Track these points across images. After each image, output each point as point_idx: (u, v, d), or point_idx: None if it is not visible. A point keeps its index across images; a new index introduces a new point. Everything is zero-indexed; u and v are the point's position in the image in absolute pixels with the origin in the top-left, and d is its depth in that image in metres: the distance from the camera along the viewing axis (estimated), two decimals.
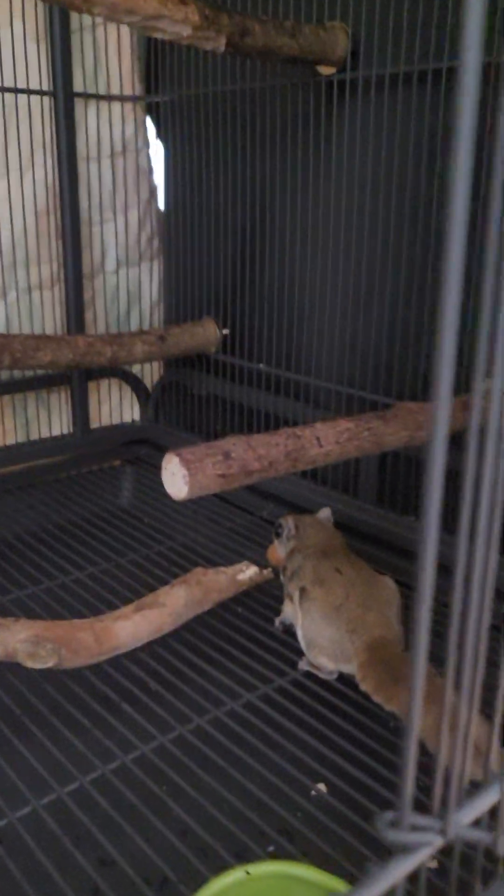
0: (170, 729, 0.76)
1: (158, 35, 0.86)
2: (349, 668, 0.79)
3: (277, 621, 0.93)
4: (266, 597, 0.97)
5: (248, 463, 0.65)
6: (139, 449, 1.44)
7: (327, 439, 0.76)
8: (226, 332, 1.29)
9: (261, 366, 1.22)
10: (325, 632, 0.80)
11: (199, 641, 0.89)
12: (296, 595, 0.85)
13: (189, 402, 1.40)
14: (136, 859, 0.61)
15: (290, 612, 0.88)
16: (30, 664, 0.75)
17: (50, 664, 0.75)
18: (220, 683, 0.83)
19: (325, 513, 0.98)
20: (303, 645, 0.84)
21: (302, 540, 0.92)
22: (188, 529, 1.17)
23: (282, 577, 0.91)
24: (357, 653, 0.77)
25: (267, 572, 0.96)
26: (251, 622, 0.93)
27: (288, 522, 0.93)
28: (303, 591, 0.84)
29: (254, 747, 0.73)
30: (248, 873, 0.50)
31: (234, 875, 0.51)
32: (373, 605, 0.80)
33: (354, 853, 0.61)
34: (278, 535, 0.94)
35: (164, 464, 0.62)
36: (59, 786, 0.68)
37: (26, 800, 0.67)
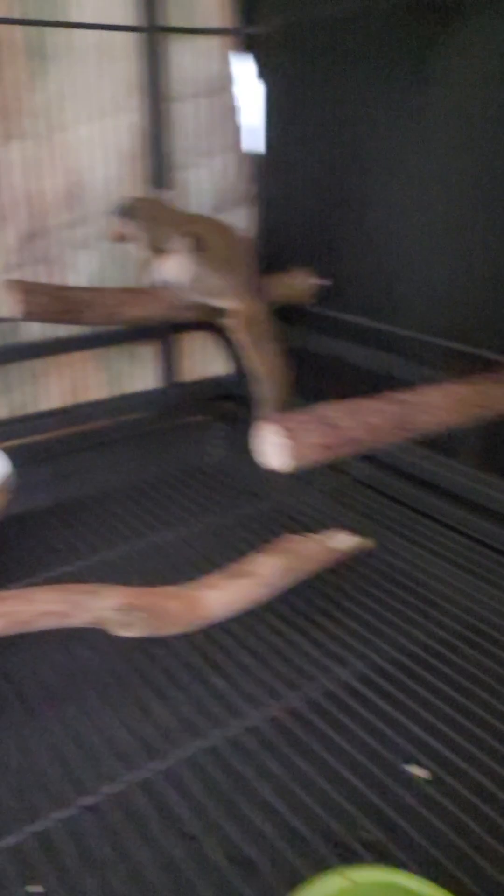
0: (261, 705, 0.72)
1: None
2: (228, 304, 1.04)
3: (147, 279, 1.08)
4: (365, 568, 0.92)
5: (354, 432, 0.59)
6: (228, 404, 1.40)
7: (437, 405, 0.70)
8: (325, 282, 1.21)
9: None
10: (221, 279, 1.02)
11: (293, 613, 0.86)
12: (184, 244, 1.00)
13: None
14: (220, 838, 0.58)
15: (171, 266, 1.03)
16: (120, 633, 0.73)
17: (141, 634, 0.73)
18: (314, 659, 0.79)
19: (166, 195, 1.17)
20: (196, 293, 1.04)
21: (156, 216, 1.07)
22: (276, 491, 1.13)
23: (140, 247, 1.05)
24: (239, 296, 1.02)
25: (364, 542, 0.90)
26: (346, 594, 0.89)
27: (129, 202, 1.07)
28: (199, 239, 1.01)
29: (348, 729, 0.69)
30: (351, 881, 0.46)
31: (337, 882, 0.47)
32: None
33: (465, 860, 0.56)
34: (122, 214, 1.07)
35: (260, 431, 0.57)
36: (147, 761, 0.66)
37: (113, 775, 0.65)
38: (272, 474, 1.14)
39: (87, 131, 1.17)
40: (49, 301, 0.95)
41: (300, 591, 0.87)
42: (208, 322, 1.33)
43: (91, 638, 0.77)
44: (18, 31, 1.08)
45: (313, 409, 0.59)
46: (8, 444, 1.13)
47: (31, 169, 1.14)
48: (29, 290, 0.94)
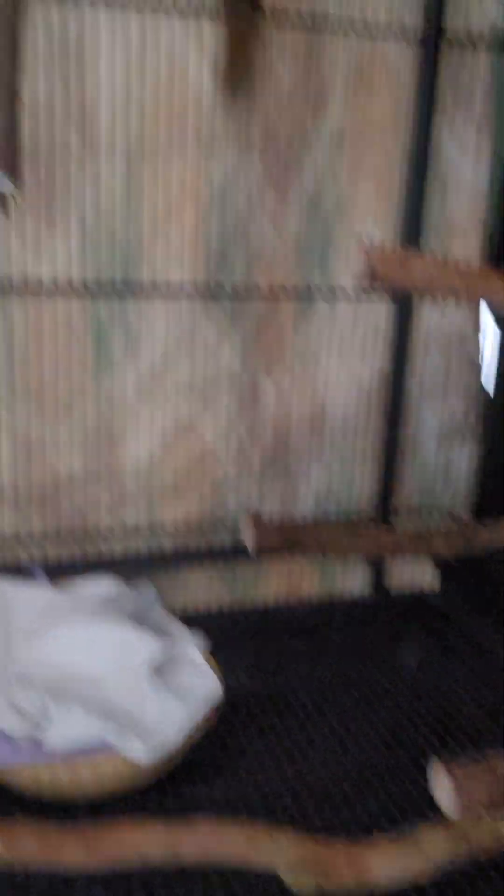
0: None
1: None
2: None
3: None
4: None
5: None
6: (432, 617, 1.45)
7: None
8: None
9: None
10: None
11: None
12: None
13: (490, 585, 1.39)
14: None
15: None
16: (289, 884, 0.81)
17: (308, 894, 0.80)
18: None
19: None
20: None
21: None
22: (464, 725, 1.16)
23: None
24: None
25: None
26: None
27: None
28: None
29: None
30: None
31: None
32: None
33: None
34: None
35: (434, 774, 0.64)
36: None
37: None
38: (461, 690, 1.17)
39: (335, 368, 1.33)
40: (276, 537, 1.09)
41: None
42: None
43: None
44: (292, 279, 1.27)
45: (493, 763, 0.64)
46: (221, 629, 1.28)
47: (282, 397, 1.32)
48: (259, 525, 1.08)
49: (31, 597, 1.07)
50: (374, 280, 0.78)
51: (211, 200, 1.19)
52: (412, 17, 1.22)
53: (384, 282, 0.81)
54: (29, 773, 0.88)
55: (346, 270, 1.29)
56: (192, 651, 1.03)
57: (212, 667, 1.03)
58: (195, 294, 1.22)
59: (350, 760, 1.07)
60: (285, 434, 1.34)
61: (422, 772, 1.04)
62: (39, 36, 1.05)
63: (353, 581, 1.44)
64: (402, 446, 1.39)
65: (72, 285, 1.15)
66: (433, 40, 1.21)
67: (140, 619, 1.16)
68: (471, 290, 0.84)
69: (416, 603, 1.46)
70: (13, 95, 0.93)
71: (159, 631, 1.13)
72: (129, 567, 1.27)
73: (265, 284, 1.25)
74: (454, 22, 1.23)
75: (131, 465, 1.26)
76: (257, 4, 1.10)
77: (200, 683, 0.99)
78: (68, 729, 0.86)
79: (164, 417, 1.26)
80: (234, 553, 1.33)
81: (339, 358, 1.33)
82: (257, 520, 1.11)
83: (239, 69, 1.12)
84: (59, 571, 1.22)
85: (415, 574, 1.48)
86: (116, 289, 1.17)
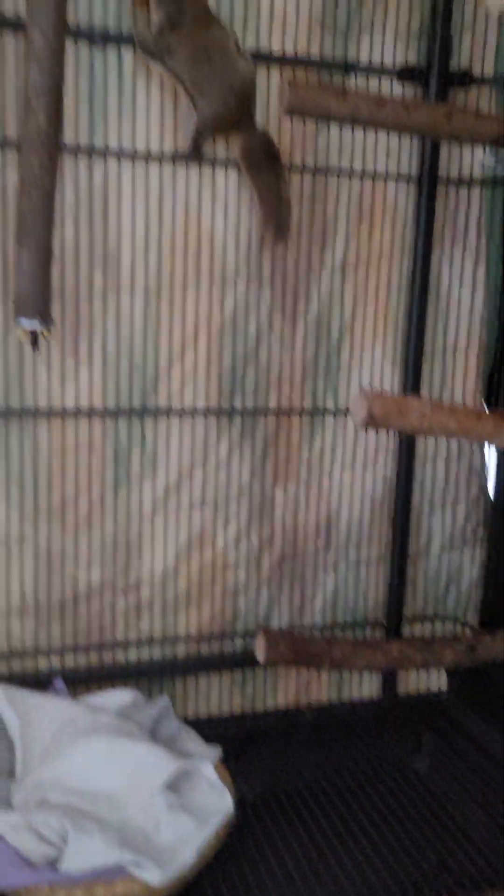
0: None
1: None
2: None
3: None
4: None
5: None
6: (440, 719, 1.47)
7: None
8: None
9: None
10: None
11: None
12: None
13: (497, 692, 1.41)
14: None
15: None
16: None
17: None
18: None
19: None
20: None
21: None
22: (473, 825, 1.17)
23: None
24: None
25: None
26: None
27: None
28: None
29: None
30: None
31: None
32: None
33: None
34: None
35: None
36: None
37: None
38: (475, 797, 1.18)
39: (343, 478, 1.39)
40: (288, 652, 1.13)
41: None
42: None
43: None
44: (301, 398, 1.35)
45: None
46: (234, 734, 1.31)
47: (292, 507, 1.38)
48: (270, 640, 1.13)
49: (50, 709, 1.11)
50: (374, 424, 0.85)
51: (223, 328, 1.28)
52: (410, 161, 1.32)
53: (383, 425, 0.88)
54: (45, 894, 0.90)
55: (351, 390, 1.36)
56: (206, 768, 1.06)
57: (225, 783, 1.06)
58: (208, 413, 1.29)
59: (360, 878, 1.09)
60: (296, 543, 1.39)
61: (432, 887, 1.06)
62: (67, 187, 1.16)
63: (364, 686, 1.47)
64: (409, 554, 1.44)
65: (94, 409, 1.23)
66: (429, 180, 1.31)
67: (155, 731, 1.19)
68: (465, 431, 0.91)
69: (425, 706, 1.49)
70: (47, 251, 1.02)
71: (174, 743, 1.17)
72: (145, 675, 1.32)
73: (275, 403, 1.33)
74: (448, 164, 1.33)
75: (147, 575, 1.31)
76: (278, 157, 1.21)
77: (214, 801, 1.02)
78: (86, 854, 0.89)
79: (178, 529, 1.32)
80: (247, 659, 1.36)
81: (347, 469, 1.39)
82: (269, 634, 1.15)
83: (277, 214, 1.22)
84: (77, 680, 1.26)
85: (424, 678, 1.50)
86: (135, 411, 1.25)
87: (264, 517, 1.36)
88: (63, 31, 1.00)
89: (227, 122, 1.16)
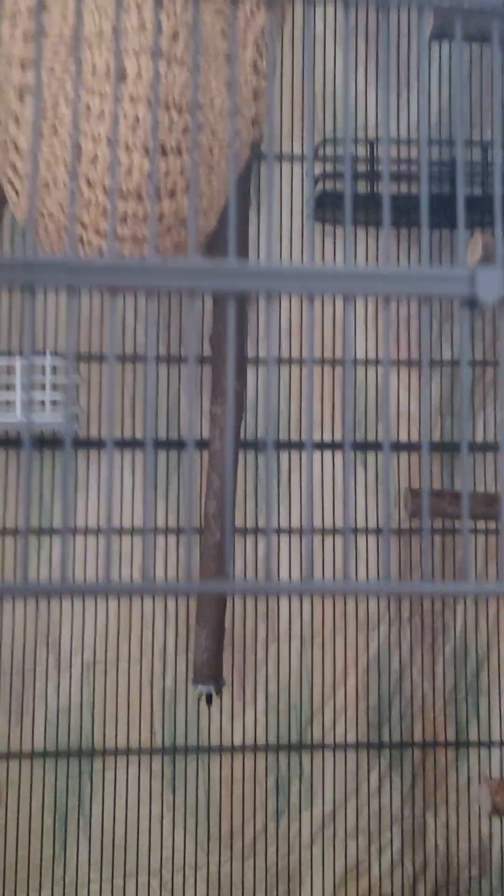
0: None
1: None
2: None
3: None
4: None
5: None
6: None
7: None
8: None
9: None
10: None
11: None
12: None
13: None
14: None
15: None
16: None
17: None
18: None
19: None
20: None
21: None
22: None
23: None
24: None
25: None
26: None
27: None
28: None
29: None
30: None
31: None
32: None
33: None
34: None
35: None
36: None
37: None
38: None
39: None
40: None
41: None
42: None
43: None
44: (446, 729, 1.46)
45: None
46: None
47: (446, 833, 1.44)
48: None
49: None
50: (497, 813, 0.96)
51: (369, 666, 1.45)
52: None
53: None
54: None
55: (497, 720, 1.46)
56: None
57: None
58: (359, 746, 1.43)
59: None
60: (451, 868, 1.44)
61: None
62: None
63: None
64: None
65: (258, 745, 1.41)
66: None
67: None
68: None
69: None
70: (221, 629, 1.27)
71: None
72: None
73: (419, 734, 1.45)
74: None
75: None
76: None
77: None
78: None
79: (335, 857, 1.41)
80: None
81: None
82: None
83: None
84: None
85: None
86: (293, 746, 1.41)
87: (419, 845, 1.43)
88: None
89: None
